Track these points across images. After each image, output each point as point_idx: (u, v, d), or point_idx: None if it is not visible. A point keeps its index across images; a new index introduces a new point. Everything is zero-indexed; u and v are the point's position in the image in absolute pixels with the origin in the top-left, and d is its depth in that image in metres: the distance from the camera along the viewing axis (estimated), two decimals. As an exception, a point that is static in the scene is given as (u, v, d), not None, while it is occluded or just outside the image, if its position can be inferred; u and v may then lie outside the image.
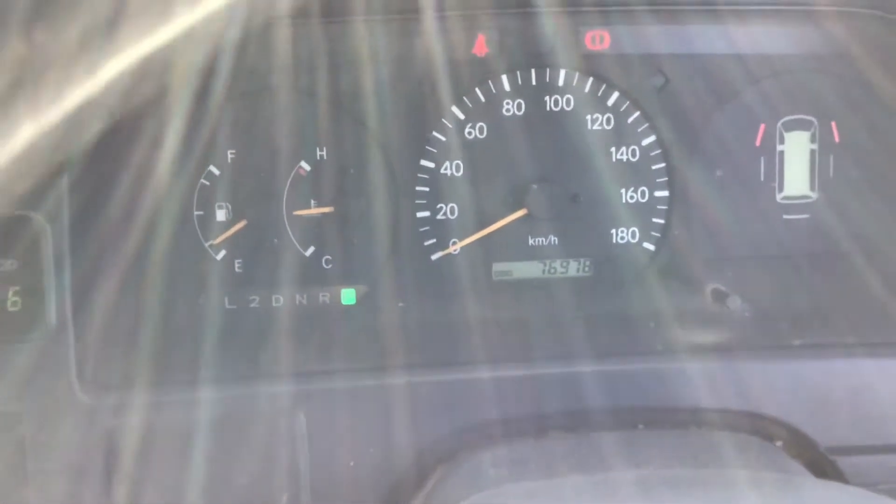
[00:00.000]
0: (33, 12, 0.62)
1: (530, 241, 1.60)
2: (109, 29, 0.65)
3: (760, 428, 1.29)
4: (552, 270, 1.60)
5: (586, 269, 1.61)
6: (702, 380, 1.31)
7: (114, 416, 1.26)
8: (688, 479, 1.12)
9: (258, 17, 1.02)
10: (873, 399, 1.29)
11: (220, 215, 1.56)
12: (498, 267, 1.60)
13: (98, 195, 1.35)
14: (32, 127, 0.63)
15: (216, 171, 1.54)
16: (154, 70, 0.69)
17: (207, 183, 1.55)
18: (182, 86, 1.38)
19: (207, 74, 1.36)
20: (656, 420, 1.30)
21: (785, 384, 1.30)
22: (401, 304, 1.55)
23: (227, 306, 1.56)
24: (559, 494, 1.07)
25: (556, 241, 1.60)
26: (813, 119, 1.59)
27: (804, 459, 1.28)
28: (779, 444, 1.29)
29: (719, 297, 1.49)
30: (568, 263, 1.60)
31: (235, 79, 1.42)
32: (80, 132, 0.68)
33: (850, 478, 1.26)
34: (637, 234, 1.61)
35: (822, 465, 1.27)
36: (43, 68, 0.63)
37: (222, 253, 1.56)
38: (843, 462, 1.27)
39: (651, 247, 1.61)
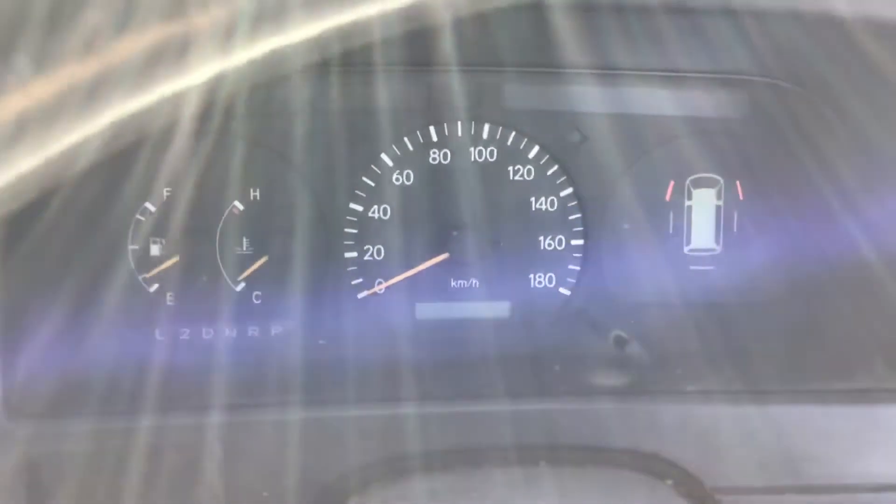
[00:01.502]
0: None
1: (452, 284, 1.68)
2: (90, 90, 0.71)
3: (653, 467, 1.37)
4: (473, 311, 1.68)
5: (505, 311, 1.69)
6: (601, 420, 1.40)
7: (39, 444, 1.30)
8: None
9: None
10: (757, 443, 1.38)
11: (155, 250, 1.62)
12: (421, 307, 1.68)
13: (33, 227, 1.40)
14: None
15: (151, 208, 1.61)
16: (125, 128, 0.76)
17: (142, 219, 1.61)
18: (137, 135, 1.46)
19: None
20: (557, 458, 1.37)
21: (676, 426, 1.39)
22: (321, 342, 1.62)
23: (158, 338, 1.62)
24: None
25: (478, 284, 1.68)
26: (719, 178, 1.70)
27: (692, 498, 1.36)
28: (669, 482, 1.37)
29: (620, 342, 1.59)
30: (488, 306, 1.69)
31: (176, 124, 1.49)
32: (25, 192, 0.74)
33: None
34: (554, 280, 1.70)
35: (708, 503, 1.36)
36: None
37: (155, 286, 1.62)
38: (727, 500, 1.36)
39: (567, 292, 1.70)
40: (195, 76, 0.73)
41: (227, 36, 0.70)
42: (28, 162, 0.72)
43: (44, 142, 0.72)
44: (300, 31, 0.77)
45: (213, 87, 1.49)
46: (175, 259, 1.62)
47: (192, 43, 0.68)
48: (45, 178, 0.76)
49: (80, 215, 1.51)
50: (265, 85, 1.53)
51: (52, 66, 0.67)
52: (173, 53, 0.68)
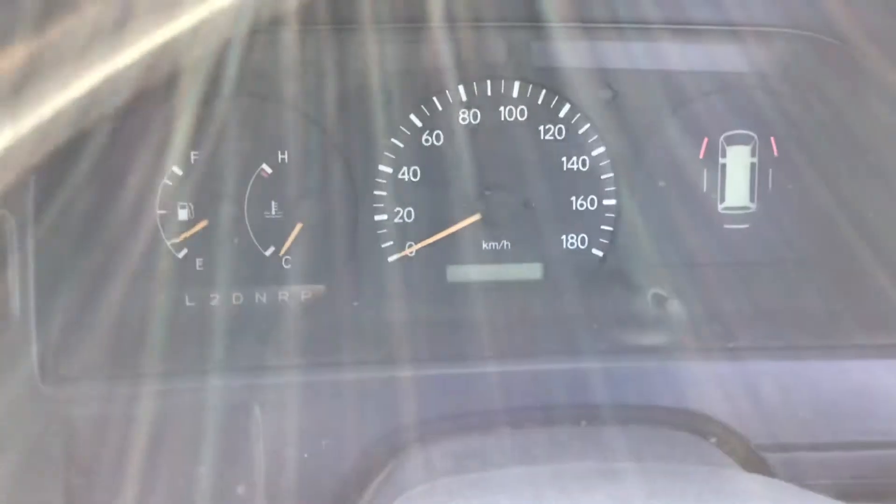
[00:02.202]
0: (44, 10, 0.67)
1: (484, 246, 1.66)
2: (114, 30, 0.70)
3: (696, 425, 1.36)
4: (505, 273, 1.66)
5: (537, 272, 1.67)
6: (642, 379, 1.38)
7: (73, 406, 1.29)
8: (622, 471, 1.17)
9: (234, 27, 1.08)
10: (800, 399, 1.36)
11: (182, 214, 1.60)
12: (453, 269, 1.66)
13: (64, 194, 1.38)
14: (11, 130, 0.67)
15: (179, 172, 1.59)
16: (140, 71, 0.74)
17: (170, 183, 1.59)
18: (157, 88, 1.44)
19: (176, 78, 1.41)
20: (598, 417, 1.36)
21: (718, 384, 1.37)
22: (355, 304, 1.60)
23: (188, 303, 1.61)
24: (497, 485, 1.12)
25: (509, 246, 1.66)
26: (753, 134, 1.67)
27: (737, 456, 1.34)
28: (713, 440, 1.35)
29: (659, 301, 1.57)
30: (520, 267, 1.67)
31: (200, 83, 1.47)
32: (56, 135, 0.72)
33: (777, 473, 1.33)
34: (586, 241, 1.67)
35: (752, 461, 1.35)
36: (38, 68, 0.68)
37: (184, 251, 1.60)
38: (772, 458, 1.34)
39: (599, 253, 1.68)
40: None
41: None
42: (54, 102, 0.71)
43: (70, 81, 0.71)
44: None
45: (235, 49, 1.47)
46: (203, 224, 1.60)
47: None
48: (79, 119, 0.75)
49: (108, 179, 1.50)
50: (293, 45, 1.52)
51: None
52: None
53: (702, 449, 1.33)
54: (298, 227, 1.61)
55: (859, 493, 1.33)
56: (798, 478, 1.29)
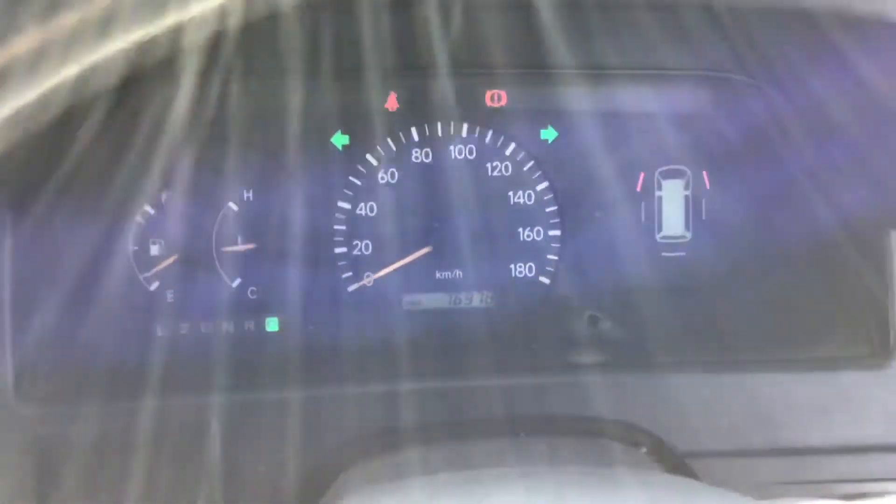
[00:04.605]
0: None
1: (437, 275, 1.77)
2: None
3: (628, 435, 1.45)
4: (458, 301, 1.77)
5: (489, 300, 1.78)
6: (578, 393, 1.48)
7: (45, 426, 1.39)
8: (555, 474, 1.27)
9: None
10: (726, 409, 1.47)
11: (154, 250, 1.71)
12: (408, 298, 1.77)
13: (40, 227, 1.49)
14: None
15: (150, 210, 1.70)
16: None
17: (142, 221, 1.70)
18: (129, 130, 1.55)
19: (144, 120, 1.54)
20: (535, 429, 1.46)
21: (649, 396, 1.47)
22: (311, 328, 1.70)
23: (159, 333, 1.71)
24: (431, 489, 1.21)
25: (461, 275, 1.77)
26: (686, 169, 1.79)
27: (665, 464, 1.44)
28: (643, 450, 1.45)
29: (593, 321, 1.68)
30: (472, 295, 1.78)
31: (169, 123, 1.59)
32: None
33: (702, 478, 1.43)
34: (534, 269, 1.79)
35: (680, 468, 1.44)
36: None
37: (155, 284, 1.71)
38: (696, 464, 1.44)
39: (546, 280, 1.79)
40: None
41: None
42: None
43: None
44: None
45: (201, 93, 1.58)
46: (173, 258, 1.71)
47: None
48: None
49: (83, 215, 1.60)
50: (255, 86, 1.65)
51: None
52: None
53: (632, 457, 1.42)
54: (249, 246, 1.71)
55: (780, 494, 1.42)
56: (720, 483, 1.38)
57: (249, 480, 1.41)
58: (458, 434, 1.43)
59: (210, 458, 1.40)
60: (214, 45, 1.43)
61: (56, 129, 1.35)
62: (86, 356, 1.53)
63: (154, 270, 1.71)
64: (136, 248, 1.70)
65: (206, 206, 1.71)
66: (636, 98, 1.77)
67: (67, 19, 0.78)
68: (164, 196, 1.70)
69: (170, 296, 1.71)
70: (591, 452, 1.43)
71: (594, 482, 1.12)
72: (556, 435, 1.44)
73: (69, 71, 0.84)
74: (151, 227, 1.71)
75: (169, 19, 0.83)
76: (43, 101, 0.81)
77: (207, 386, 1.48)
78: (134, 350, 1.63)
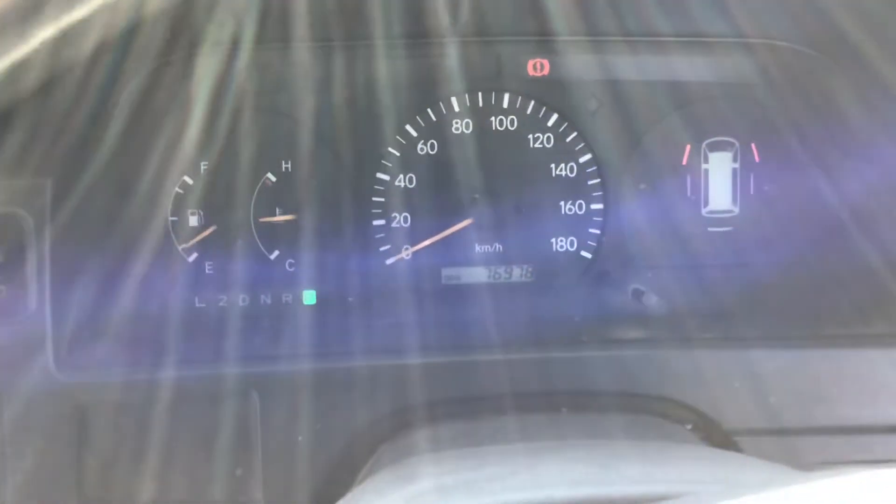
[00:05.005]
0: None
1: (477, 249, 1.74)
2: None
3: (673, 412, 1.42)
4: (497, 276, 1.75)
5: (528, 274, 1.75)
6: (621, 369, 1.45)
7: (86, 394, 1.39)
8: (599, 448, 1.24)
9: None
10: (770, 387, 1.42)
11: (193, 221, 1.70)
12: (447, 272, 1.74)
13: (81, 199, 1.49)
14: None
15: (189, 181, 1.69)
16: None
17: (181, 191, 1.69)
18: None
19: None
20: (580, 405, 1.43)
21: (694, 373, 1.43)
22: (350, 299, 1.69)
23: (197, 304, 1.70)
24: (478, 462, 1.19)
25: (501, 249, 1.74)
26: (734, 141, 1.74)
27: (711, 441, 1.41)
28: (688, 426, 1.42)
29: (637, 295, 1.64)
30: (511, 269, 1.75)
31: (210, 97, 1.58)
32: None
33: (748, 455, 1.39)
34: (575, 243, 1.75)
35: (726, 445, 1.40)
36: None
37: (194, 255, 1.70)
38: (744, 442, 1.40)
39: (588, 255, 1.75)
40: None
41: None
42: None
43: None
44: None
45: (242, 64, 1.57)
46: (212, 229, 1.70)
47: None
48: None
49: (122, 186, 1.60)
50: (297, 61, 1.63)
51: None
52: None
53: (677, 433, 1.39)
54: (289, 217, 1.70)
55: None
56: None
57: (287, 451, 1.40)
58: (498, 409, 1.41)
59: (248, 430, 1.40)
60: (252, 9, 1.43)
61: (97, 100, 1.35)
62: (125, 327, 1.53)
63: (192, 242, 1.70)
64: (174, 218, 1.70)
65: (245, 176, 1.70)
66: (682, 67, 1.72)
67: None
68: (202, 166, 1.69)
69: (208, 267, 1.71)
70: (636, 428, 1.39)
71: (638, 455, 1.09)
72: (599, 411, 1.41)
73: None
74: (190, 197, 1.70)
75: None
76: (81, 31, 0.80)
77: (245, 357, 1.47)
78: (172, 321, 1.63)
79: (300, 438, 1.39)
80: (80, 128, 1.40)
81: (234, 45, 1.53)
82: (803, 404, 1.41)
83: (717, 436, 1.40)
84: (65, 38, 0.92)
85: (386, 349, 1.49)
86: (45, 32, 0.87)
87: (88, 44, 1.02)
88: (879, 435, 1.42)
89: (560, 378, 1.45)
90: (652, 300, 1.60)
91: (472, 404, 1.43)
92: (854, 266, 1.61)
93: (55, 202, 1.43)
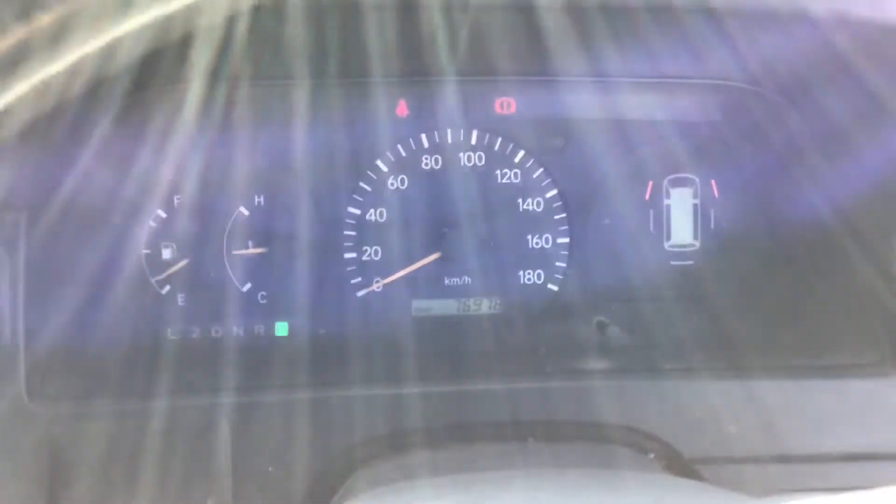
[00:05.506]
0: None
1: (446, 281, 1.78)
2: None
3: (635, 441, 1.46)
4: (466, 308, 1.78)
5: (497, 306, 1.79)
6: (584, 399, 1.49)
7: (58, 424, 1.40)
8: (563, 477, 1.27)
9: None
10: (734, 416, 1.46)
11: (166, 254, 1.73)
12: (417, 304, 1.78)
13: (54, 231, 1.51)
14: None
15: (163, 214, 1.72)
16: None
17: (154, 225, 1.72)
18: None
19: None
20: (545, 434, 1.46)
21: (656, 402, 1.47)
22: (322, 331, 1.72)
23: (170, 336, 1.72)
24: (438, 491, 1.22)
25: (470, 281, 1.78)
26: (695, 177, 1.80)
27: (673, 470, 1.44)
28: (651, 455, 1.45)
29: (601, 326, 1.68)
30: (481, 301, 1.79)
31: (183, 128, 1.61)
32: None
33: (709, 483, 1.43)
34: (542, 276, 1.79)
35: (688, 474, 1.44)
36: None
37: (167, 288, 1.73)
38: (706, 471, 1.44)
39: (554, 287, 1.79)
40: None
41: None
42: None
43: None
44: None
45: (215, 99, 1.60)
46: (185, 262, 1.73)
47: None
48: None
49: (96, 221, 1.63)
50: (263, 92, 1.67)
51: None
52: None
53: (639, 462, 1.42)
54: (260, 250, 1.73)
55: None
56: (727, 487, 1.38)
57: (258, 483, 1.42)
58: (464, 438, 1.44)
59: (219, 460, 1.41)
60: (222, 49, 1.47)
61: (69, 133, 1.38)
62: (97, 357, 1.55)
63: (165, 274, 1.73)
64: (147, 251, 1.72)
65: (218, 210, 1.73)
66: (644, 106, 1.78)
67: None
68: (176, 200, 1.72)
69: (181, 299, 1.73)
70: (598, 457, 1.43)
71: (598, 484, 1.12)
72: (563, 440, 1.44)
73: (88, 48, 0.86)
74: (163, 230, 1.72)
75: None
76: (65, 78, 0.83)
77: (217, 388, 1.49)
78: (145, 352, 1.65)
79: (270, 469, 1.41)
80: (54, 162, 1.43)
81: (212, 79, 1.57)
82: (762, 433, 1.45)
83: (678, 464, 1.44)
84: (45, 86, 0.94)
85: (357, 379, 1.52)
86: (27, 82, 0.90)
87: (70, 89, 1.05)
88: (836, 463, 1.46)
89: (526, 408, 1.49)
90: (615, 332, 1.64)
91: (441, 434, 1.46)
92: (810, 299, 1.66)
93: (28, 235, 1.45)
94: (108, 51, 0.97)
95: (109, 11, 0.81)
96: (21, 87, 0.89)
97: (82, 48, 0.87)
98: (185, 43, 1.36)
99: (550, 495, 1.11)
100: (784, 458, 1.46)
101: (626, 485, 1.14)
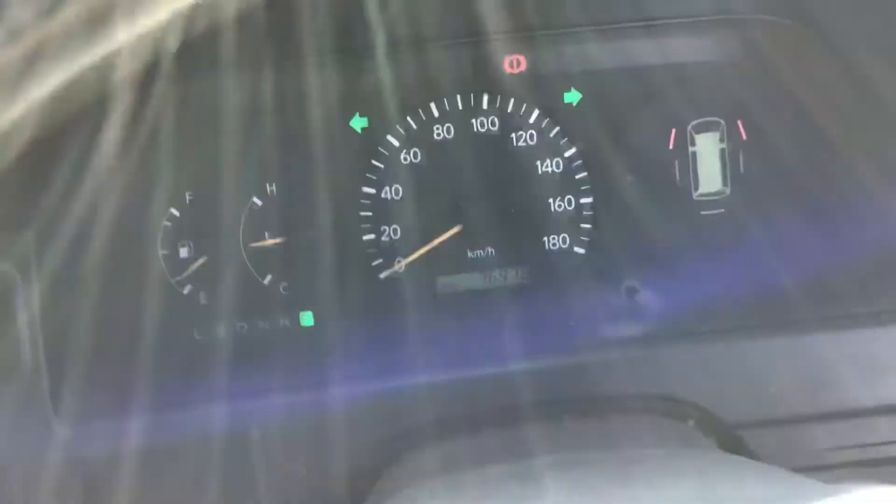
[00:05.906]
0: None
1: (469, 254, 1.72)
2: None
3: (673, 410, 1.41)
4: (492, 280, 1.73)
5: (524, 276, 1.74)
6: (619, 369, 1.44)
7: (90, 444, 1.40)
8: (603, 459, 1.23)
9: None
10: (773, 375, 1.41)
11: (183, 252, 1.70)
12: (442, 280, 1.73)
13: (66, 244, 1.49)
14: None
15: (176, 213, 1.69)
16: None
17: (169, 224, 1.69)
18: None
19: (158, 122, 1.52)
20: (580, 410, 1.42)
21: (693, 368, 1.42)
22: (346, 320, 1.68)
23: (196, 337, 1.70)
24: (483, 481, 1.19)
25: (494, 253, 1.73)
26: (720, 120, 1.71)
27: (714, 436, 1.40)
28: (691, 423, 1.41)
29: (631, 292, 1.62)
30: (506, 272, 1.73)
31: (189, 123, 1.57)
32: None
33: (755, 449, 1.38)
34: (567, 240, 1.73)
35: (729, 440, 1.40)
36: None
37: (188, 287, 1.70)
38: (749, 435, 1.39)
39: (581, 250, 1.73)
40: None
41: None
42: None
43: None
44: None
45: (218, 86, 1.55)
46: (203, 259, 1.70)
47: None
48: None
49: (110, 227, 1.60)
50: (267, 77, 1.61)
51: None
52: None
53: (680, 432, 1.38)
54: (277, 240, 1.70)
55: (840, 464, 1.38)
56: (774, 452, 1.34)
57: (293, 481, 1.40)
58: (503, 422, 1.40)
59: (254, 461, 1.40)
60: (215, 38, 1.40)
61: (75, 141, 1.35)
62: (124, 368, 1.54)
63: (185, 274, 1.70)
64: (165, 252, 1.69)
65: (231, 203, 1.69)
66: (660, 50, 1.69)
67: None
68: (188, 197, 1.68)
69: (203, 298, 1.71)
70: (638, 432, 1.38)
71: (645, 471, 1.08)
72: (600, 415, 1.40)
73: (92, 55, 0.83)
74: (179, 229, 1.69)
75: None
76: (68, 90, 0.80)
77: (248, 387, 1.47)
78: (173, 357, 1.63)
79: (304, 469, 1.39)
80: (61, 177, 1.40)
81: (214, 70, 1.51)
82: (804, 390, 1.40)
83: (720, 431, 1.39)
84: (54, 101, 0.90)
85: (391, 368, 1.49)
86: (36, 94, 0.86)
87: (75, 104, 1.01)
88: (882, 416, 1.40)
89: (559, 385, 1.44)
90: (646, 298, 1.59)
91: (477, 419, 1.42)
92: (850, 242, 1.58)
93: (39, 253, 1.43)
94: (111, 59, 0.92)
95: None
96: (25, 104, 0.85)
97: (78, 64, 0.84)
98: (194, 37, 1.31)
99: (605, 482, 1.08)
100: (828, 416, 1.40)
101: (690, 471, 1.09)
